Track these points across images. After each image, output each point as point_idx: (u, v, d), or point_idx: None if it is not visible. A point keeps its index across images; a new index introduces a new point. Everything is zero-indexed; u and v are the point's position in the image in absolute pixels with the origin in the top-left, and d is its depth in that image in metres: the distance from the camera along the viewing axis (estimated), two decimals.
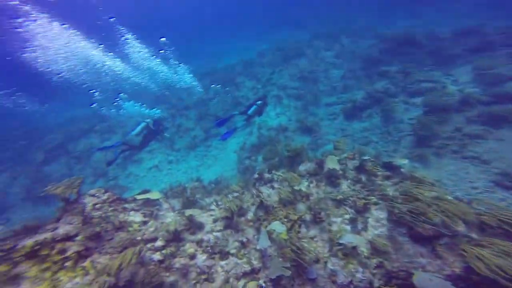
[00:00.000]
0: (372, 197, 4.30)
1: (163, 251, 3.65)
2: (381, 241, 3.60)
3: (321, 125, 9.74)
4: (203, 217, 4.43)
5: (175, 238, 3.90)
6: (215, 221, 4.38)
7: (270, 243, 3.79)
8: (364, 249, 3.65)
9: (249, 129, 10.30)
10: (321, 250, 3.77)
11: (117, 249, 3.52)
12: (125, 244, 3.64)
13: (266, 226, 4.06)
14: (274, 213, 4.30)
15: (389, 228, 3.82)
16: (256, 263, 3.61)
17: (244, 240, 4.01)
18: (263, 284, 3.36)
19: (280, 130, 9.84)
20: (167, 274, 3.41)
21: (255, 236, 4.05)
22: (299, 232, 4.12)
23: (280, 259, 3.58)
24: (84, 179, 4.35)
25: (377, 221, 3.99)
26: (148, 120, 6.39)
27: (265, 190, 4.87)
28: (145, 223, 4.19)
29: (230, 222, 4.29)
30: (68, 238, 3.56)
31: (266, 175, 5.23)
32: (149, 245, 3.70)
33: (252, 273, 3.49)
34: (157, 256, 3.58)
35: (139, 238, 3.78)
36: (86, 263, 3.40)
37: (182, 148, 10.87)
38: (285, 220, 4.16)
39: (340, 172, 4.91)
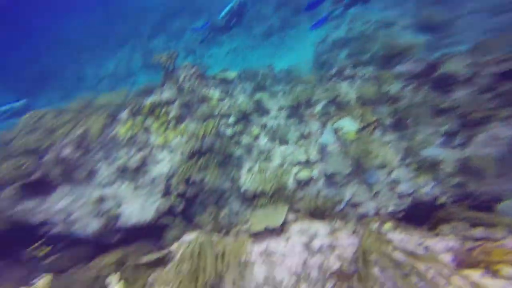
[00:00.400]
0: (505, 111, 3.09)
1: (234, 128, 4.14)
2: (483, 160, 2.86)
3: (457, 23, 6.27)
4: (270, 103, 4.47)
5: (244, 117, 4.25)
6: (280, 108, 4.37)
7: (334, 139, 3.65)
8: (449, 166, 3.06)
9: (336, 21, 7.92)
10: (391, 157, 3.39)
11: (200, 119, 4.21)
12: (206, 116, 4.25)
13: (334, 122, 3.78)
14: (347, 110, 3.84)
15: (508, 150, 2.89)
16: (313, 156, 3.71)
17: (307, 131, 3.99)
18: (315, 175, 3.55)
19: (382, 24, 7.06)
20: (236, 148, 4.02)
21: (319, 130, 3.93)
22: (372, 134, 3.70)
23: (341, 157, 3.50)
24: (178, 54, 4.83)
25: (492, 139, 3.05)
26: (233, 2, 6.09)
27: (343, 86, 4.18)
28: (221, 100, 4.62)
29: (295, 111, 4.20)
30: (170, 102, 4.37)
31: (348, 71, 4.33)
32: (223, 121, 4.23)
33: (307, 164, 3.68)
34: (229, 131, 4.13)
35: (216, 112, 4.31)
36: (182, 127, 4.28)
37: (258, 35, 10.38)
38: (359, 119, 3.70)
39: (463, 77, 3.51)
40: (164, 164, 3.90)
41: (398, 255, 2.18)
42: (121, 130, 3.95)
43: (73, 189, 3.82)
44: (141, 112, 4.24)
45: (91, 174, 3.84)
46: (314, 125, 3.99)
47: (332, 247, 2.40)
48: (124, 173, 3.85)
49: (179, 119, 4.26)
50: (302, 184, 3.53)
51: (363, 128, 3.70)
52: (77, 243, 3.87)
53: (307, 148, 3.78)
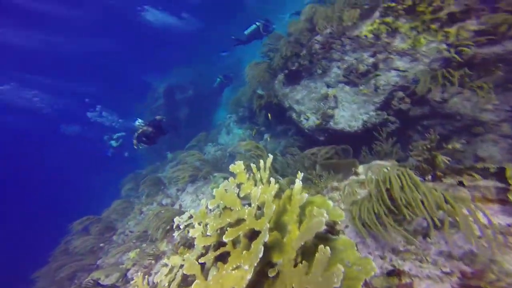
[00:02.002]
0: None
1: None
2: None
3: None
4: None
5: None
6: None
7: None
8: None
9: None
10: None
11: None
12: None
13: None
14: None
15: None
16: None
17: None
18: None
19: None
20: None
21: None
22: None
23: None
24: None
25: None
26: None
27: None
28: None
29: None
30: None
31: None
32: None
33: None
34: None
35: None
36: (452, 29, 2.90)
37: None
38: None
39: None
40: (397, 72, 3.05)
41: None
42: (366, 28, 3.49)
43: (310, 83, 4.41)
44: (396, 9, 3.34)
45: (325, 72, 4.09)
46: None
47: None
48: (350, 75, 3.63)
49: (451, 20, 2.84)
50: None
51: None
52: (300, 133, 4.69)
53: None
